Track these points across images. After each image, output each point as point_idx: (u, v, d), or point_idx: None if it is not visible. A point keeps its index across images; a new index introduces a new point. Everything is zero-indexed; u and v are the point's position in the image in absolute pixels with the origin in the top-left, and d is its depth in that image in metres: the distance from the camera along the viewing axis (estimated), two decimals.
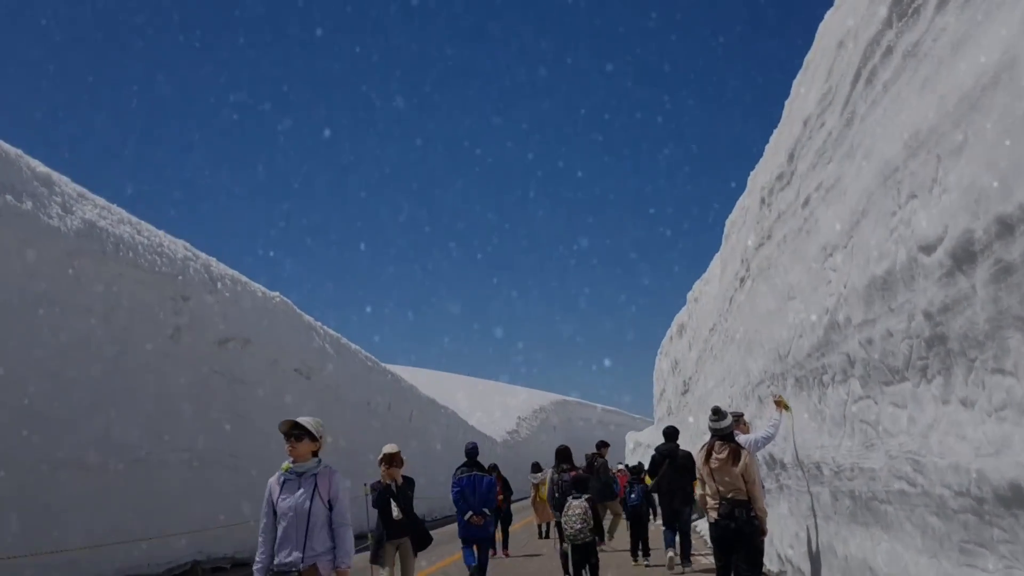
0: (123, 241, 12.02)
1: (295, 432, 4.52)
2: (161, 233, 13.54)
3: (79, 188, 11.83)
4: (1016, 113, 3.14)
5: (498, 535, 13.52)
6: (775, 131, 9.50)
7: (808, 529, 7.39)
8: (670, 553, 10.46)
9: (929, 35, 4.14)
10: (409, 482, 7.54)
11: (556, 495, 9.37)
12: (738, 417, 8.05)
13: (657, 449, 11.08)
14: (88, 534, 10.13)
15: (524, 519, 21.56)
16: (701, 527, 13.75)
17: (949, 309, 3.82)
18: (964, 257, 3.55)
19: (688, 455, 10.31)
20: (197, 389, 13.54)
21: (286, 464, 4.54)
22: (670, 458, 10.62)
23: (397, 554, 7.35)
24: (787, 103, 8.73)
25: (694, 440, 16.27)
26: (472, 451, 9.71)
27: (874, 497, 5.28)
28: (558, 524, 9.14)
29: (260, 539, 4.55)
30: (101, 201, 12.34)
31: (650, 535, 11.77)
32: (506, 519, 14.94)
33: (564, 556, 9.05)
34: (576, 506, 8.32)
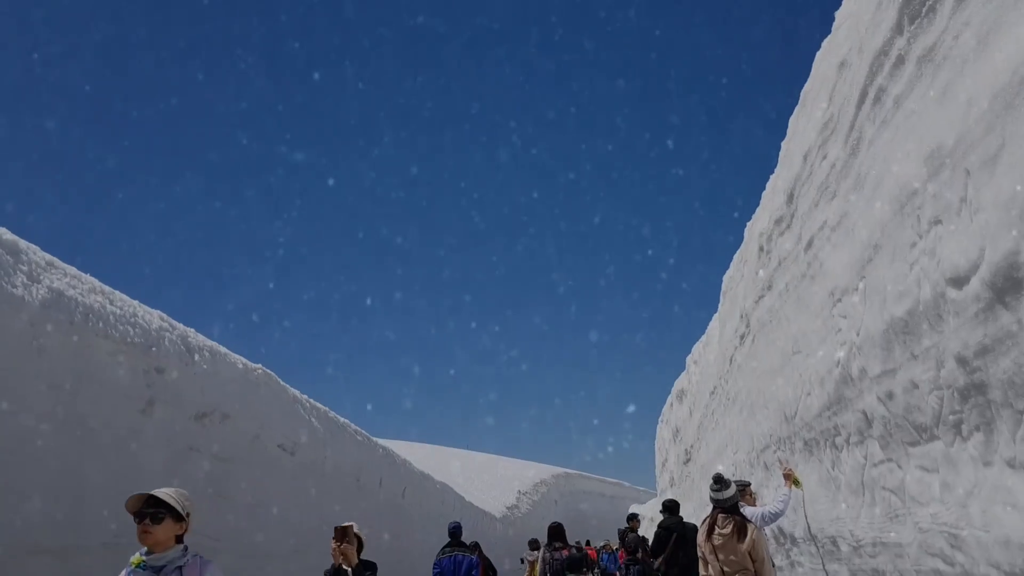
0: (93, 310, 11.53)
1: (150, 511, 3.49)
2: (135, 303, 13.07)
3: (48, 256, 11.41)
4: None
5: None
6: (772, 175, 9.03)
7: None
8: None
9: (948, 34, 3.64)
10: (368, 565, 6.57)
11: (548, 575, 8.92)
12: (744, 487, 7.36)
13: (661, 525, 10.33)
14: None
15: None
16: None
17: (989, 351, 3.24)
18: (1007, 286, 2.97)
19: (696, 528, 9.61)
20: (172, 466, 12.86)
21: (137, 557, 3.50)
22: (678, 533, 9.86)
23: None
24: (784, 143, 8.23)
25: (697, 512, 15.45)
26: (455, 530, 9.40)
27: None
28: None
29: None
30: (72, 270, 11.92)
31: None
32: None
33: None
34: None
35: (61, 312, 10.66)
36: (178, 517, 3.58)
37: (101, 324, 11.40)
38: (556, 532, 9.60)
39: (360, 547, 5.96)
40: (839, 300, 5.50)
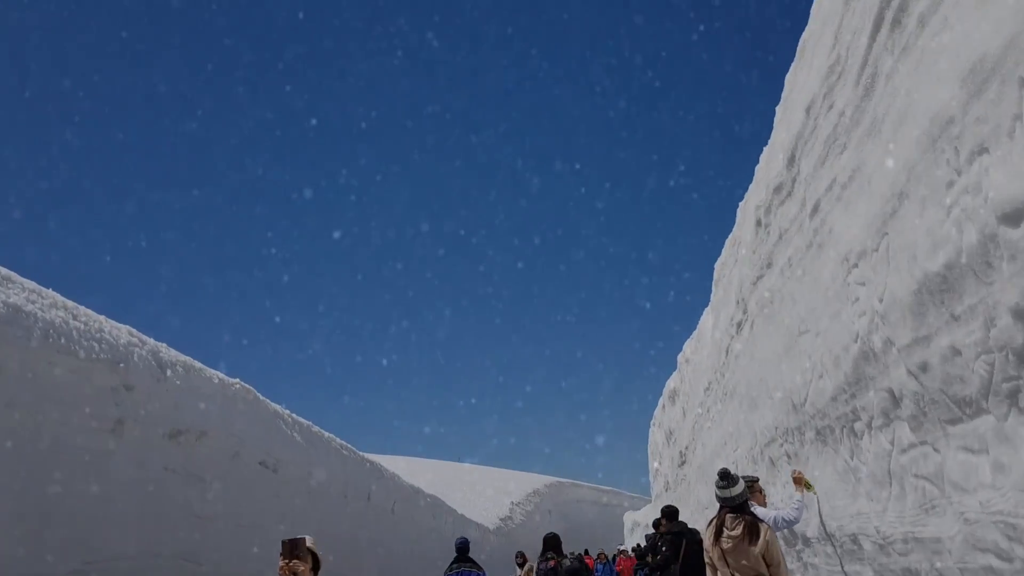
0: (54, 326, 10.93)
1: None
2: (102, 318, 12.48)
3: (6, 271, 10.84)
4: None
5: None
6: (766, 146, 8.34)
7: None
8: None
9: None
10: None
11: None
12: (752, 482, 6.69)
13: (669, 530, 9.77)
14: None
15: None
16: None
17: None
18: None
19: (700, 534, 9.06)
20: (145, 488, 12.26)
21: None
22: (686, 538, 9.29)
23: None
24: (779, 107, 7.55)
25: (694, 516, 14.90)
26: (463, 546, 9.24)
27: None
28: None
29: None
30: (31, 284, 11.34)
31: None
32: None
33: None
34: None
35: (18, 328, 10.10)
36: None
37: (63, 340, 10.81)
38: (549, 543, 9.43)
39: (316, 566, 5.07)
40: (855, 266, 4.88)
